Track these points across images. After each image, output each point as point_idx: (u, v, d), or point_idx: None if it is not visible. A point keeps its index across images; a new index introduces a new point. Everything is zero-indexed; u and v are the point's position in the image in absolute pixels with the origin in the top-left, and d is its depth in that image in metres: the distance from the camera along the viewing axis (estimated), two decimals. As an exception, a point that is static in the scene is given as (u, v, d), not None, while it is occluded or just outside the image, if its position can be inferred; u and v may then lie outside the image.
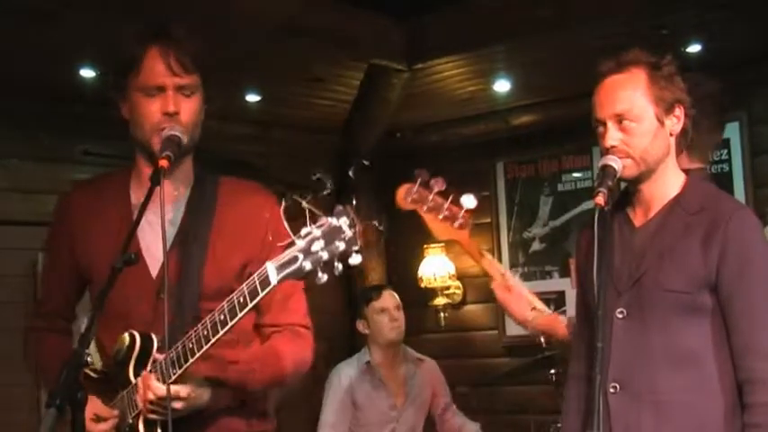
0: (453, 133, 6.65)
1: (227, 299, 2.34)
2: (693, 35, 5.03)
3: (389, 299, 5.27)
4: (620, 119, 2.64)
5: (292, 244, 2.18)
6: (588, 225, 2.64)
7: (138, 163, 2.68)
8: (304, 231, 2.17)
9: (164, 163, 2.40)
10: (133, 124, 2.59)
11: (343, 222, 2.22)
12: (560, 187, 6.35)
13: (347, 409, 5.16)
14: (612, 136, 2.65)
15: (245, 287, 2.28)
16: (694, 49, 5.15)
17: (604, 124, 2.67)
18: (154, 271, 2.59)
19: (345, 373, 5.24)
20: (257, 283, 2.25)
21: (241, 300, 2.30)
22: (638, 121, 2.64)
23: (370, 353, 5.24)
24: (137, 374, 2.51)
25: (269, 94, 5.73)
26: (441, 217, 3.10)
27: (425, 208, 3.04)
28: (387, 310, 5.17)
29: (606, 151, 2.66)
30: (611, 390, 2.65)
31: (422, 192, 3.03)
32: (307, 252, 2.17)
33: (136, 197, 2.65)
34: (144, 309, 2.57)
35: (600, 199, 2.55)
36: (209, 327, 2.36)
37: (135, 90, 2.56)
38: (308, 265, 2.16)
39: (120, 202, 2.67)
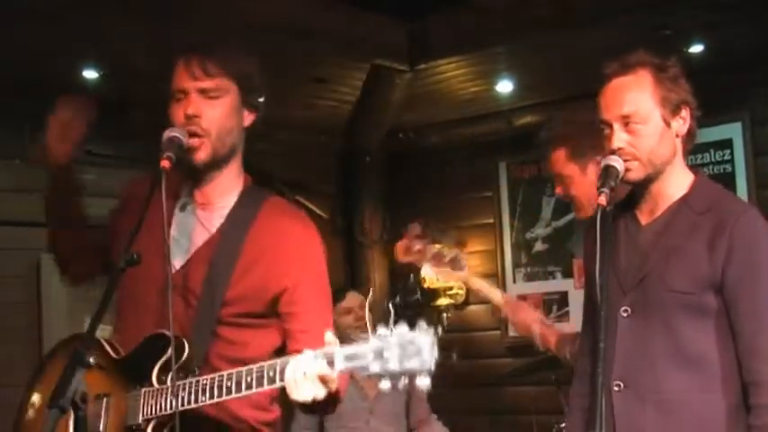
0: (456, 134, 6.65)
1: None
2: (696, 36, 5.03)
3: (353, 299, 5.41)
4: (626, 121, 2.65)
5: (367, 337, 2.13)
6: (593, 225, 2.64)
7: None
8: (382, 332, 2.11)
9: (165, 164, 2.41)
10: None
11: (425, 344, 2.06)
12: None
13: None
14: (619, 138, 2.65)
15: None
16: (697, 49, 5.15)
17: (610, 126, 2.67)
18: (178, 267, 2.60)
19: None
20: (322, 356, 2.22)
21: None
22: (645, 123, 2.64)
23: None
24: (159, 379, 2.47)
25: (272, 94, 5.72)
26: (444, 263, 3.16)
27: (426, 258, 3.09)
28: (352, 310, 5.32)
29: (612, 153, 2.66)
30: (615, 388, 2.66)
31: (419, 244, 3.07)
32: (378, 355, 2.09)
33: (185, 191, 2.70)
34: (158, 301, 2.55)
35: (602, 199, 2.55)
36: (254, 375, 2.33)
37: (170, 99, 2.63)
38: (375, 368, 2.09)
39: (172, 192, 2.64)
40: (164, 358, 2.45)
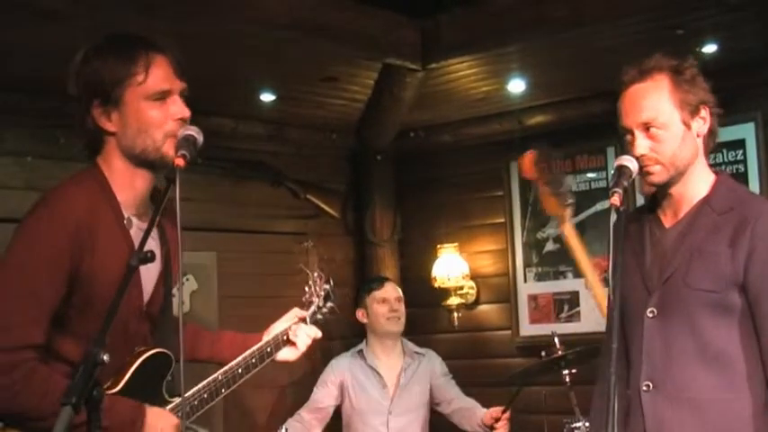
0: (467, 133, 6.64)
1: (268, 341, 3.04)
2: (709, 35, 5.01)
3: (391, 290, 5.43)
4: (646, 127, 2.67)
5: (311, 302, 3.32)
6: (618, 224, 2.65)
7: (118, 168, 2.61)
8: (315, 299, 3.34)
9: (180, 162, 2.38)
10: (133, 133, 2.56)
11: (330, 291, 3.40)
12: (574, 187, 6.32)
13: (330, 391, 5.27)
14: (641, 144, 2.67)
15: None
16: (710, 49, 5.13)
17: (632, 133, 2.69)
18: (146, 290, 2.65)
19: (337, 361, 5.39)
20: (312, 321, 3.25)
21: (282, 338, 3.09)
22: (665, 128, 2.65)
23: (367, 342, 5.38)
24: (169, 394, 2.68)
25: (283, 93, 5.73)
26: (555, 193, 3.22)
27: (545, 181, 3.16)
28: (387, 301, 5.32)
29: (636, 159, 2.67)
30: (644, 388, 2.69)
31: (544, 164, 3.15)
32: (320, 308, 3.34)
33: (123, 199, 2.62)
34: (130, 324, 2.60)
35: (615, 199, 2.55)
36: (257, 355, 2.99)
37: (139, 98, 2.54)
38: (319, 316, 3.33)
39: (111, 207, 2.59)
40: (168, 376, 2.68)
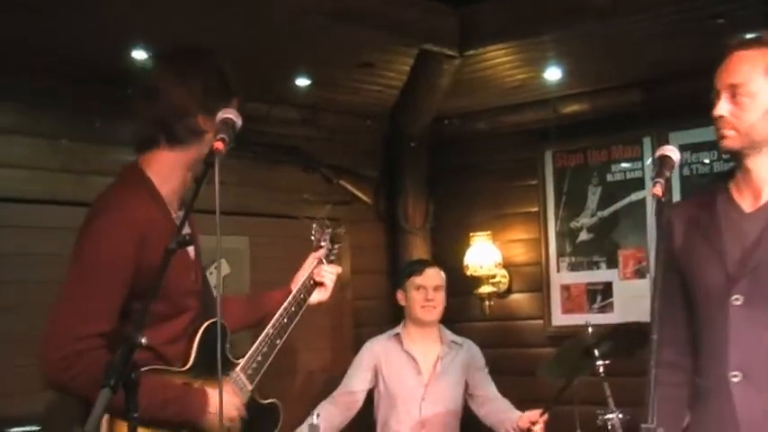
0: (502, 121, 6.61)
1: (299, 289, 3.40)
2: (751, 26, 4.93)
3: (431, 277, 5.32)
4: (733, 91, 2.68)
5: (320, 246, 3.58)
6: (684, 204, 2.65)
7: (170, 165, 2.87)
8: (324, 242, 3.60)
9: (219, 145, 2.43)
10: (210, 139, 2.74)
11: (334, 233, 3.66)
12: (609, 177, 6.29)
13: (365, 376, 5.24)
14: (722, 107, 2.68)
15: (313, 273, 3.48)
16: (751, 39, 5.07)
17: (718, 94, 2.70)
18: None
19: (372, 343, 5.35)
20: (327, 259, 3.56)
21: (309, 283, 3.44)
22: (752, 98, 2.66)
23: (404, 325, 5.31)
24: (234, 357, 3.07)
25: (319, 78, 5.72)
26: None
27: None
28: (424, 289, 5.24)
29: (714, 121, 2.69)
30: (734, 379, 2.67)
31: None
32: (330, 250, 3.59)
33: (165, 193, 2.88)
34: (186, 303, 2.87)
35: (658, 189, 2.53)
36: (294, 304, 3.31)
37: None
38: (332, 257, 3.59)
39: (158, 206, 2.84)
40: (227, 343, 2.99)
